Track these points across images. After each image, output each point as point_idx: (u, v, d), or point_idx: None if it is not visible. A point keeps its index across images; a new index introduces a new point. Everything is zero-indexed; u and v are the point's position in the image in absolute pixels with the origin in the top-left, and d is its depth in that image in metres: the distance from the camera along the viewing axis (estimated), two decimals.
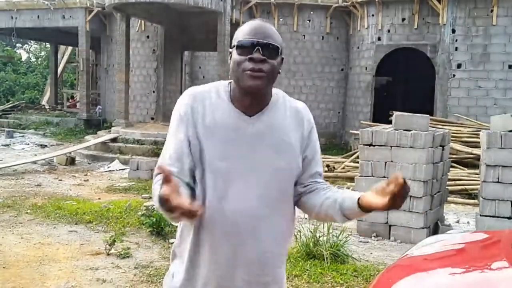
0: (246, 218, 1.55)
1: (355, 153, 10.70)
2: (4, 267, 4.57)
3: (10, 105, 22.30)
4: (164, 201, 1.31)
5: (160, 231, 5.57)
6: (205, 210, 1.51)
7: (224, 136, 1.56)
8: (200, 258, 1.60)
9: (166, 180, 1.33)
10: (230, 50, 1.61)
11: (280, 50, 1.58)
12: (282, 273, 1.71)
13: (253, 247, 1.58)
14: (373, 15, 14.36)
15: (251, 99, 1.59)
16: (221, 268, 1.59)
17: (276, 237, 1.62)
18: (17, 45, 35.16)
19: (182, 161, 1.56)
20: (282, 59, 1.63)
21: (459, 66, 13.20)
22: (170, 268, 1.73)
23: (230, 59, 1.59)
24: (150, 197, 7.78)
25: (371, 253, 5.35)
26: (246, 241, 1.57)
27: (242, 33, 1.57)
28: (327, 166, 10.88)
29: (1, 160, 10.78)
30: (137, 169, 9.67)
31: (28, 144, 14.65)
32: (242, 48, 1.55)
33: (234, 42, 1.58)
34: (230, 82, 1.64)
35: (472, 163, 9.62)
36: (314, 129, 1.74)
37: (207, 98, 1.61)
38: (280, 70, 1.61)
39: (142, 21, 16.23)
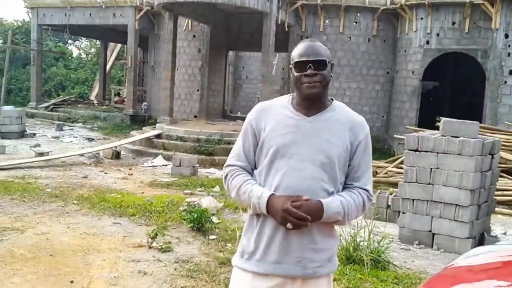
0: (298, 193, 1.96)
1: (398, 158, 10.49)
2: (51, 255, 4.74)
3: (61, 99, 23.13)
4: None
5: (200, 227, 5.65)
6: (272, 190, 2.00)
7: (287, 131, 2.02)
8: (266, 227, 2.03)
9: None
10: (291, 66, 2.08)
11: (327, 61, 2.02)
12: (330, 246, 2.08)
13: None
14: (422, 18, 14.03)
15: (311, 103, 2.05)
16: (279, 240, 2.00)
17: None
18: (69, 41, 36.40)
19: (242, 158, 2.11)
20: (332, 64, 2.09)
21: (511, 72, 12.71)
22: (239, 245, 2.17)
23: (291, 73, 2.07)
24: (192, 193, 7.91)
25: (413, 261, 5.23)
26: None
27: (296, 54, 2.04)
28: None
29: (51, 151, 11.20)
30: (180, 165, 9.83)
31: (76, 137, 15.16)
32: (298, 66, 2.02)
33: (292, 62, 2.06)
34: (291, 95, 2.14)
35: None
36: (366, 144, 2.08)
37: (272, 109, 2.09)
38: (332, 74, 2.07)
39: (189, 21, 16.48)
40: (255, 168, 2.10)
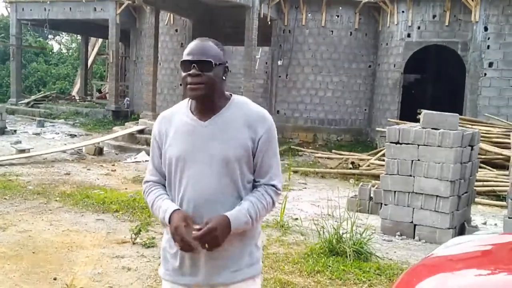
0: (202, 203, 1.94)
1: (380, 150, 10.60)
2: (33, 252, 4.71)
3: (42, 95, 22.79)
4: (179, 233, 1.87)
5: None
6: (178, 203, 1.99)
7: (184, 140, 1.98)
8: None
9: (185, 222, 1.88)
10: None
11: (214, 63, 1.92)
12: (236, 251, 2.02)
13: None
14: (403, 12, 14.13)
15: (201, 105, 1.99)
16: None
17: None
18: (49, 36, 35.82)
19: (154, 172, 2.10)
20: (226, 67, 2.01)
21: (490, 65, 12.90)
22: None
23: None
24: None
25: (395, 252, 5.31)
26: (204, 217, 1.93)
27: (184, 53, 1.97)
28: (352, 163, 10.81)
29: (32, 148, 11.05)
30: None
31: (58, 133, 14.97)
32: (184, 65, 1.95)
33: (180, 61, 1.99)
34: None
35: (501, 164, 9.41)
36: (268, 138, 2.00)
37: (173, 117, 2.05)
38: (224, 76, 2.00)
39: (171, 15, 16.35)
40: None
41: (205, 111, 1.99)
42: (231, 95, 2.06)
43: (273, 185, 2.03)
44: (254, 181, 2.03)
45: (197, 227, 1.87)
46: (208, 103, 1.98)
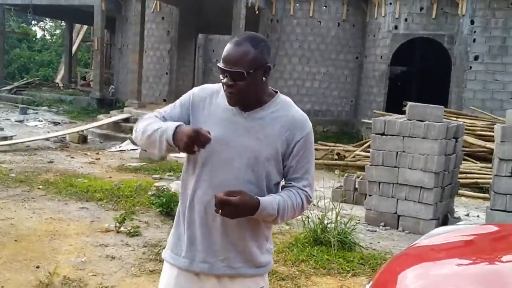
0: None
1: (366, 142, 10.65)
2: (16, 240, 4.66)
3: (25, 82, 22.43)
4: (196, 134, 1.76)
5: (169, 211, 5.62)
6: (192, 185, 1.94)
7: (221, 124, 1.90)
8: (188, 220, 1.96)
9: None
10: None
11: (245, 74, 1.81)
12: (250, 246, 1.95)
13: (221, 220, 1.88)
14: (390, 3, 14.15)
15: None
16: (200, 229, 1.93)
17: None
18: (33, 22, 35.20)
19: (168, 118, 1.97)
20: (265, 67, 1.87)
21: (476, 58, 12.99)
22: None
23: None
24: (161, 178, 7.85)
25: (379, 242, 5.36)
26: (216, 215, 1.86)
27: (222, 55, 1.86)
28: (338, 154, 10.86)
29: (15, 135, 10.88)
30: None
31: (41, 121, 14.76)
32: (219, 70, 1.86)
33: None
34: None
35: (485, 157, 9.52)
36: (304, 143, 1.93)
37: (216, 94, 1.97)
38: (264, 77, 1.88)
39: (158, 2, 16.17)
40: None
41: (246, 105, 1.92)
42: (276, 92, 1.98)
43: (306, 191, 1.95)
44: (285, 183, 1.97)
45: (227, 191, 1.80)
46: (243, 104, 1.91)
